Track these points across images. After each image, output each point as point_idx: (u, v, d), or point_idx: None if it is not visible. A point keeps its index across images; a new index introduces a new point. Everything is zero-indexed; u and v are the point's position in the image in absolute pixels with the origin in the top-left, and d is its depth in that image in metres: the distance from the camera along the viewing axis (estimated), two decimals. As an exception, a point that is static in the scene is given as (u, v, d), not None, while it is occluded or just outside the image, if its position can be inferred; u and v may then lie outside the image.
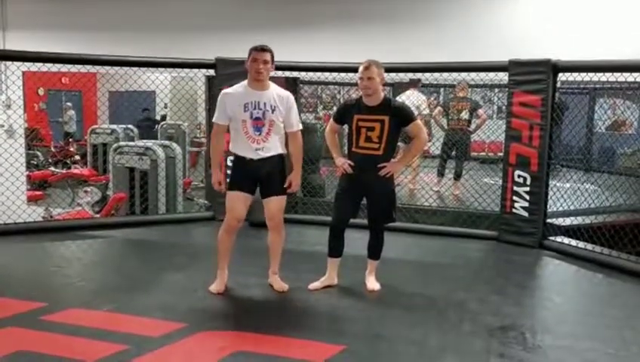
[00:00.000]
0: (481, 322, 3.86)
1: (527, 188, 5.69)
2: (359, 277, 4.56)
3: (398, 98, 8.73)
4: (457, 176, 8.23)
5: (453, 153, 8.33)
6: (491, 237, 5.92)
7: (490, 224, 6.07)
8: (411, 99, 8.06)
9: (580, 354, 3.45)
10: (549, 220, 5.87)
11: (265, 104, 4.01)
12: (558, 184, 6.86)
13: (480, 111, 8.31)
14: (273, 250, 4.34)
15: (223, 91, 4.14)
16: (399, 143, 8.62)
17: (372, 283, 4.45)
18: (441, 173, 8.36)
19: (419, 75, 7.59)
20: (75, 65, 6.09)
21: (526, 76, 5.64)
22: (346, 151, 4.39)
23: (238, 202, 4.08)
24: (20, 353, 3.24)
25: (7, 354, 3.22)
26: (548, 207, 5.91)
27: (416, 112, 8.36)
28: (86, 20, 8.17)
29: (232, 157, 4.40)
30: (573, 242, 5.61)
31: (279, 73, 5.51)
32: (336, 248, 4.41)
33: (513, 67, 5.70)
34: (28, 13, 8.19)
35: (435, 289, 4.52)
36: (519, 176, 5.71)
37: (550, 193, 5.93)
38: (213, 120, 4.15)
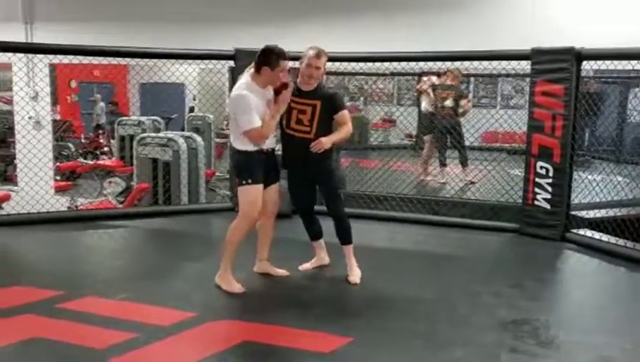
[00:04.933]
0: (495, 315, 3.81)
1: (550, 180, 5.57)
2: (369, 268, 4.54)
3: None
4: (463, 164, 8.23)
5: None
6: (512, 230, 5.81)
7: (512, 216, 5.97)
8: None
9: (596, 350, 3.38)
10: (572, 212, 5.74)
11: (268, 95, 4.08)
12: (588, 176, 6.74)
13: (463, 101, 8.25)
14: (269, 237, 4.36)
15: (244, 94, 3.94)
16: (426, 137, 8.68)
17: (352, 273, 4.33)
18: (443, 163, 8.36)
19: (439, 64, 7.50)
20: (106, 57, 6.18)
21: (549, 65, 5.52)
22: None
23: (259, 195, 4.06)
24: (34, 339, 3.31)
25: (22, 340, 3.30)
26: (572, 199, 5.80)
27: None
28: (111, 12, 8.25)
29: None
30: (597, 235, 5.48)
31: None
32: (309, 231, 4.48)
33: (536, 55, 5.58)
34: (54, 5, 8.31)
35: (449, 282, 4.47)
36: (541, 168, 5.60)
37: (578, 185, 5.82)
38: (253, 126, 3.91)
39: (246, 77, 4.04)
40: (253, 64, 4.04)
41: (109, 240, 5.67)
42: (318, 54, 4.07)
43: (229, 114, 4.23)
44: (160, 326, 3.51)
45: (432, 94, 8.46)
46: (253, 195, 4.05)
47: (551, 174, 5.56)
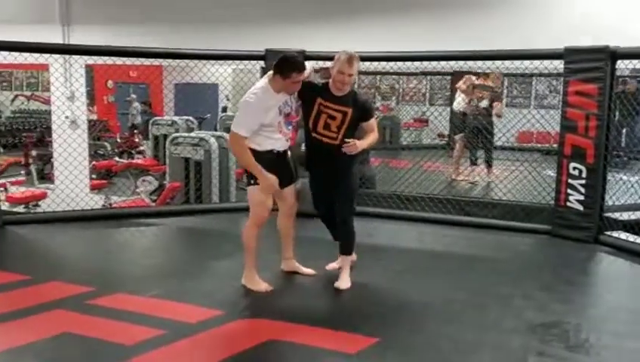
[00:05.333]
0: (524, 318, 3.76)
1: (583, 181, 5.48)
2: (396, 269, 4.52)
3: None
4: (489, 165, 8.26)
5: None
6: (544, 232, 5.73)
7: (544, 218, 5.88)
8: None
9: (626, 355, 3.32)
10: (606, 214, 5.63)
11: (287, 100, 4.04)
12: (622, 177, 6.61)
13: (495, 103, 8.36)
14: (290, 236, 4.37)
15: (250, 102, 3.94)
16: (457, 136, 8.65)
17: (340, 281, 4.21)
18: (473, 163, 8.36)
19: (470, 63, 7.47)
20: (139, 58, 6.28)
21: (582, 64, 5.43)
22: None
23: (268, 196, 4.07)
24: (64, 334, 3.38)
25: (52, 335, 3.38)
26: (606, 200, 5.68)
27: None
28: (146, 14, 8.35)
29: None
30: (631, 237, 5.36)
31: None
32: (332, 233, 4.45)
33: (569, 54, 5.49)
34: (91, 7, 8.44)
35: (478, 284, 4.42)
36: (574, 168, 5.51)
37: (612, 186, 5.72)
38: (238, 131, 3.90)
39: (264, 80, 4.03)
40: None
41: (140, 238, 5.76)
42: (350, 61, 3.95)
43: None
44: (187, 323, 3.56)
45: (469, 94, 8.49)
46: (259, 196, 4.03)
47: (584, 175, 5.47)
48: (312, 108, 4.06)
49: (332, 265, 4.50)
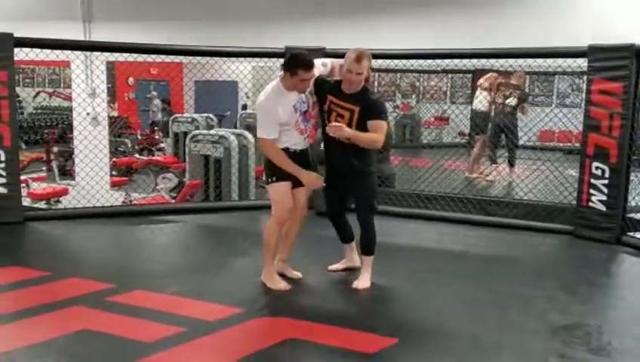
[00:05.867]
0: (545, 320, 3.71)
1: (606, 181, 5.39)
2: (416, 269, 4.49)
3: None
4: (512, 164, 8.20)
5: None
6: (566, 232, 5.64)
7: (566, 218, 5.81)
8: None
9: (650, 358, 3.27)
10: (629, 215, 5.55)
11: (303, 98, 4.00)
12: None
13: (525, 105, 8.43)
14: (290, 239, 4.27)
15: (264, 104, 3.95)
16: (478, 136, 8.59)
17: (359, 281, 4.16)
18: (493, 161, 8.30)
19: (492, 61, 7.39)
20: (160, 55, 6.31)
21: (607, 62, 5.33)
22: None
23: (288, 193, 4.03)
24: (83, 331, 3.40)
25: (72, 331, 3.40)
26: (630, 201, 5.61)
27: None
28: (167, 11, 8.40)
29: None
30: (655, 239, 5.28)
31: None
32: (339, 234, 4.37)
33: (593, 53, 5.40)
34: (112, 4, 8.51)
35: (499, 284, 4.37)
36: (597, 168, 5.42)
37: (635, 186, 5.63)
38: (264, 137, 3.94)
39: (277, 79, 4.00)
40: None
41: (160, 235, 5.78)
42: (359, 58, 3.86)
43: None
44: (206, 321, 3.56)
45: (493, 91, 8.44)
46: (279, 194, 4.01)
47: (607, 175, 5.38)
48: (324, 106, 4.03)
49: (335, 266, 4.44)
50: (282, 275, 4.27)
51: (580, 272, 4.75)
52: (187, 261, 4.97)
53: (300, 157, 4.02)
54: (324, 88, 4.04)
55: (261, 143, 4.04)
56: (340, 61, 4.10)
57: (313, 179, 4.00)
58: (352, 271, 4.35)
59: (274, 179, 4.01)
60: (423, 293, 4.20)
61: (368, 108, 3.94)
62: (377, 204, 4.20)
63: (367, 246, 4.18)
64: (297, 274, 4.31)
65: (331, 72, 4.19)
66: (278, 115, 3.88)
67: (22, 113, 17.34)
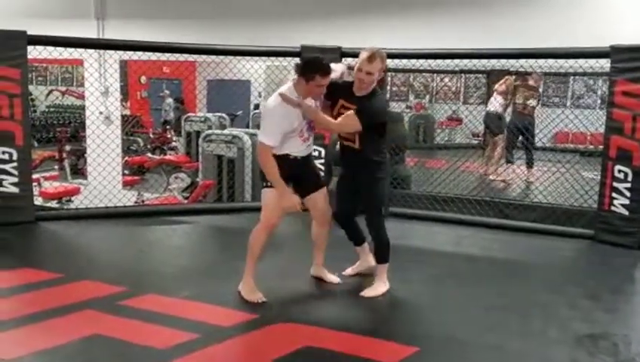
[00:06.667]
0: (569, 328, 3.59)
1: (629, 185, 5.25)
2: (434, 273, 4.38)
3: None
4: (530, 165, 8.17)
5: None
6: (587, 236, 5.51)
7: (586, 222, 5.67)
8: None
9: (680, 370, 3.15)
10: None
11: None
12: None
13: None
14: (322, 244, 4.19)
15: (274, 109, 3.75)
16: (496, 138, 8.49)
17: (369, 288, 4.05)
18: (510, 161, 8.25)
19: (512, 62, 7.26)
20: (173, 54, 6.23)
21: (630, 63, 5.20)
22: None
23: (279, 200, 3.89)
24: (94, 336, 3.32)
25: (83, 336, 3.32)
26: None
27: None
28: (180, 10, 8.33)
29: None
30: (680, 244, 5.14)
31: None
32: (349, 237, 4.26)
33: (616, 53, 5.27)
34: (125, 3, 8.45)
35: (519, 291, 4.26)
36: (620, 171, 5.29)
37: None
38: (265, 142, 3.75)
39: (289, 83, 3.84)
40: None
41: (172, 236, 5.70)
42: (371, 58, 3.74)
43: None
44: (220, 326, 3.48)
45: (510, 94, 8.39)
46: (271, 200, 3.86)
47: (630, 178, 5.25)
48: (335, 109, 3.93)
49: (347, 271, 4.35)
50: (319, 279, 4.20)
51: (602, 278, 4.62)
52: (199, 263, 4.89)
53: (301, 164, 3.91)
54: (337, 91, 3.93)
55: (260, 148, 3.83)
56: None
57: (291, 204, 3.81)
58: (369, 276, 4.24)
59: (268, 184, 3.84)
60: (442, 299, 4.09)
61: (365, 105, 3.81)
62: (387, 210, 4.09)
63: (379, 254, 4.07)
64: (335, 279, 4.22)
65: (341, 76, 4.07)
66: (286, 124, 3.74)
67: (34, 111, 17.40)
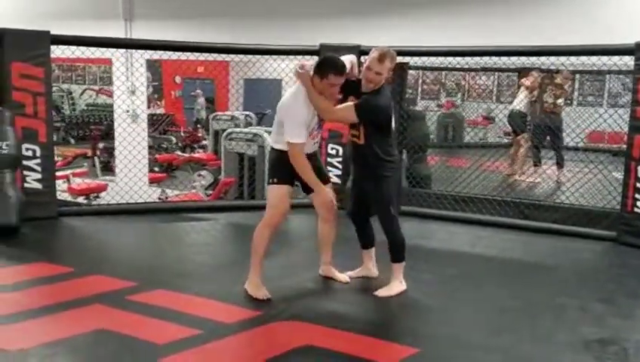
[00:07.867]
0: (579, 332, 3.51)
1: (653, 186, 5.12)
2: (447, 274, 4.31)
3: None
4: (560, 165, 8.10)
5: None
6: (609, 238, 5.38)
7: (609, 224, 5.53)
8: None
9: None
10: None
11: None
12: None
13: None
14: (328, 241, 4.18)
15: (294, 105, 3.77)
16: (519, 136, 8.34)
17: (383, 288, 3.99)
18: (536, 163, 8.13)
19: (533, 59, 7.12)
20: (201, 53, 6.28)
21: (655, 60, 5.06)
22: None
23: (286, 197, 3.90)
24: (99, 331, 3.35)
25: (88, 331, 3.36)
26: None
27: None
28: (206, 9, 8.41)
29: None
30: None
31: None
32: (359, 238, 4.21)
33: (640, 50, 5.14)
34: (153, 3, 8.57)
35: (532, 293, 4.17)
36: (644, 172, 5.15)
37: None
38: (296, 140, 3.72)
39: (299, 82, 3.84)
40: None
41: (190, 233, 5.75)
42: (381, 58, 3.71)
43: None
44: (224, 323, 3.49)
45: (535, 92, 8.27)
46: (277, 198, 3.85)
47: (654, 179, 5.11)
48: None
49: (349, 274, 4.28)
50: (329, 278, 4.19)
51: (621, 282, 4.49)
52: (213, 260, 4.91)
53: (310, 160, 3.88)
54: (349, 89, 3.91)
55: (291, 150, 3.73)
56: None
57: (328, 199, 3.89)
58: (378, 276, 4.22)
59: (275, 181, 3.85)
60: (452, 300, 4.03)
61: (364, 99, 3.80)
62: (396, 209, 4.04)
63: (393, 253, 4.00)
64: (345, 278, 4.20)
65: (351, 68, 4.02)
66: (306, 116, 3.75)
67: (74, 110, 17.81)
